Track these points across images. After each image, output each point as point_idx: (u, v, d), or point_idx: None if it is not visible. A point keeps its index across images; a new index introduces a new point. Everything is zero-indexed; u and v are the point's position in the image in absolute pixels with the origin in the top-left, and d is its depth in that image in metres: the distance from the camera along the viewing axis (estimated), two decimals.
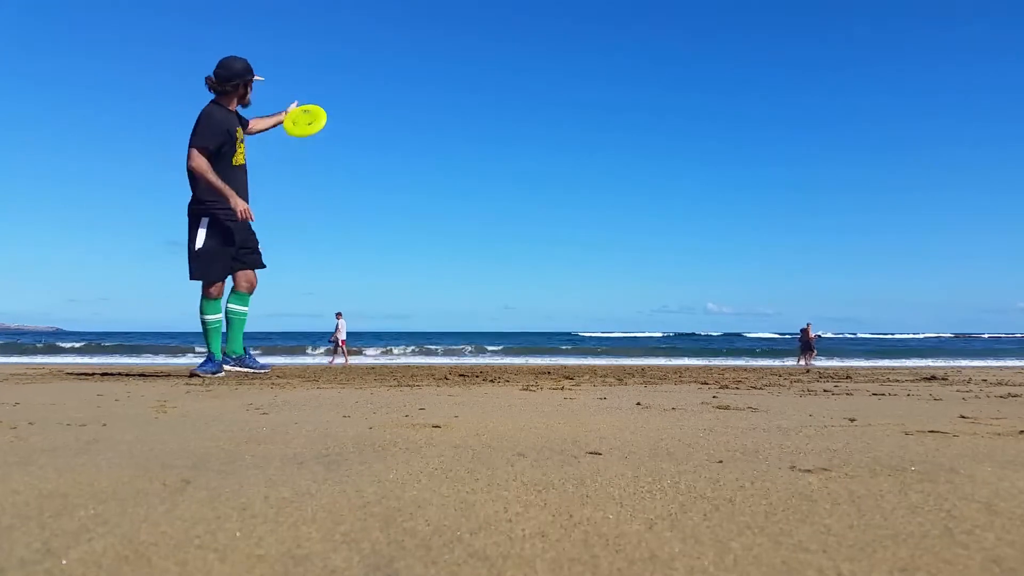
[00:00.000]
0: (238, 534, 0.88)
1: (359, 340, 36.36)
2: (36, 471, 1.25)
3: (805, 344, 20.25)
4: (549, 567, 0.77)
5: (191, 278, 4.42)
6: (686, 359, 24.41)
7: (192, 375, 4.33)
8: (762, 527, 0.92)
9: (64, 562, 0.78)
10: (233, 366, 4.61)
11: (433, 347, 30.84)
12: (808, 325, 20.34)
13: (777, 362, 19.92)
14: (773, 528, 0.91)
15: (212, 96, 4.40)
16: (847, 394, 3.18)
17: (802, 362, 19.30)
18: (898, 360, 23.69)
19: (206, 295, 4.45)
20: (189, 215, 4.40)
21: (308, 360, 19.72)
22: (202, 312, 4.47)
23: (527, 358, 29.46)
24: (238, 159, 4.42)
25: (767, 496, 1.08)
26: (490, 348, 30.44)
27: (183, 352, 26.07)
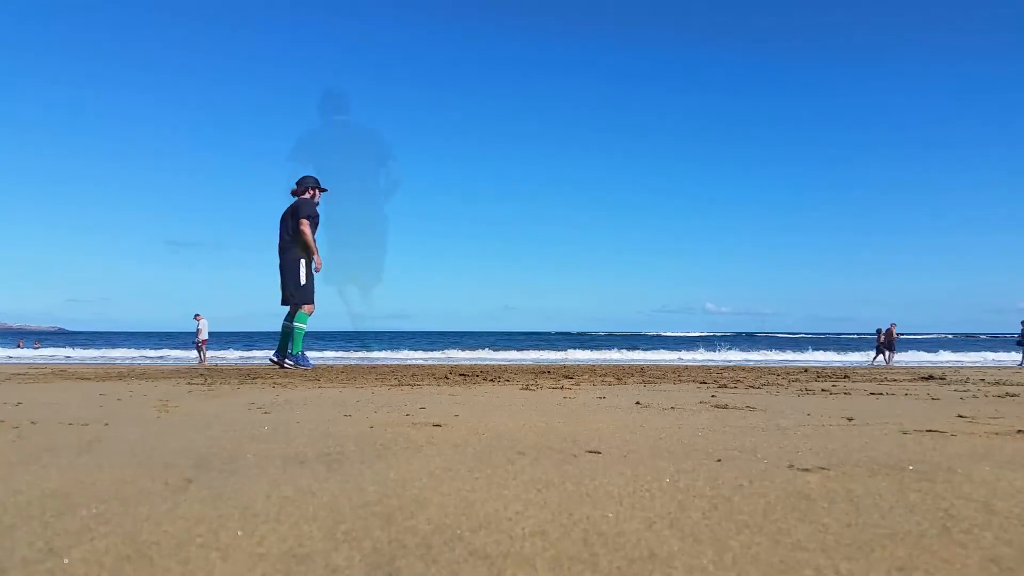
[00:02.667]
0: (240, 533, 0.89)
1: (359, 340, 36.32)
2: (38, 470, 1.26)
3: (887, 343, 20.32)
4: (549, 565, 0.78)
5: (301, 302, 6.08)
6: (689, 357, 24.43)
7: (296, 365, 5.85)
8: (760, 526, 0.92)
9: (66, 561, 0.78)
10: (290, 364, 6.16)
11: (433, 346, 30.83)
12: (892, 325, 20.45)
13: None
14: (771, 527, 0.92)
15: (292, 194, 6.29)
16: (845, 393, 3.19)
17: (885, 360, 19.43)
18: (896, 359, 23.78)
19: (307, 312, 6.14)
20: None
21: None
22: (299, 322, 6.09)
23: (526, 352, 29.54)
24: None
25: (765, 495, 1.08)
26: (490, 348, 30.43)
27: (184, 352, 26.06)
